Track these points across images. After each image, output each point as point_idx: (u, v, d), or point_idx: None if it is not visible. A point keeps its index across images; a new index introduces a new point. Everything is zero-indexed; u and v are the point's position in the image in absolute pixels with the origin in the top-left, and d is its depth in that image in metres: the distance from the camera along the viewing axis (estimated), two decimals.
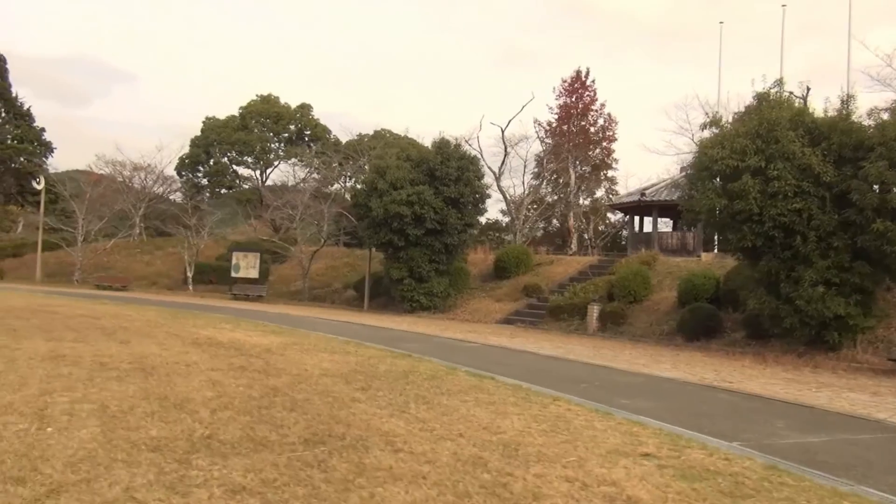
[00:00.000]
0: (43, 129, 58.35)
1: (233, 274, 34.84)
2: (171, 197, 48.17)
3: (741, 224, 15.16)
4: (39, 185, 40.05)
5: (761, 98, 15.83)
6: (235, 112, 48.25)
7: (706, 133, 16.96)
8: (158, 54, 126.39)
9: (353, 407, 6.50)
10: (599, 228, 45.19)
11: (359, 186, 28.20)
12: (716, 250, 27.12)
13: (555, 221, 48.35)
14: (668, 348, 17.61)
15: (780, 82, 15.85)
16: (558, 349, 15.70)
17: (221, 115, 48.26)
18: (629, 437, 5.67)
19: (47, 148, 58.13)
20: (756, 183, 14.74)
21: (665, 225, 38.41)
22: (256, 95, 49.17)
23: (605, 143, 46.52)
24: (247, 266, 34.37)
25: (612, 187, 47.01)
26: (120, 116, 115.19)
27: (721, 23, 30.34)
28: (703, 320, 19.31)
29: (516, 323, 24.21)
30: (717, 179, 15.85)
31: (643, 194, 30.20)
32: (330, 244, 37.72)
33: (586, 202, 46.06)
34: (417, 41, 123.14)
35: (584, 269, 28.89)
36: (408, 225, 25.85)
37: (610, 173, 46.90)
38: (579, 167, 45.18)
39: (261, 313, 23.26)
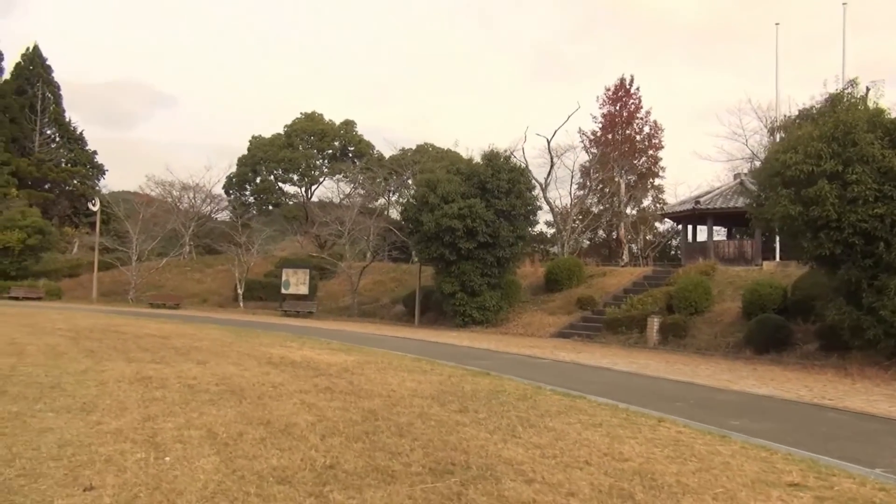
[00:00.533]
0: (95, 152, 60.19)
1: (283, 290, 35.12)
2: (218, 216, 49.02)
3: (817, 231, 14.61)
4: (95, 207, 41.08)
5: (835, 100, 15.27)
6: (280, 130, 48.99)
7: (774, 137, 16.41)
8: (201, 75, 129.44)
9: (461, 431, 6.29)
10: (648, 238, 44.40)
11: (408, 201, 28.10)
12: (777, 258, 26.34)
13: (601, 232, 47.77)
14: (741, 362, 17.03)
15: (854, 83, 15.29)
16: (632, 364, 15.27)
17: (267, 134, 49.09)
18: (765, 465, 5.34)
19: (99, 170, 59.83)
20: (833, 188, 14.20)
21: (718, 234, 37.61)
22: (301, 113, 49.84)
23: (651, 151, 45.83)
24: (297, 282, 34.61)
25: (660, 196, 46.26)
26: (166, 137, 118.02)
27: (777, 24, 29.68)
28: (772, 332, 18.66)
29: (572, 336, 23.76)
30: (789, 185, 15.31)
31: (698, 202, 29.52)
32: (377, 259, 37.76)
33: (633, 212, 45.39)
34: (455, 54, 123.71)
35: (638, 280, 28.34)
36: (459, 238, 25.70)
37: (657, 181, 46.18)
38: (626, 176, 44.58)
39: (318, 330, 23.28)
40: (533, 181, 28.75)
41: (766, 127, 37.15)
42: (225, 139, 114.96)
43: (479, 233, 25.65)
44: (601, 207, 45.48)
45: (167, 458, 5.11)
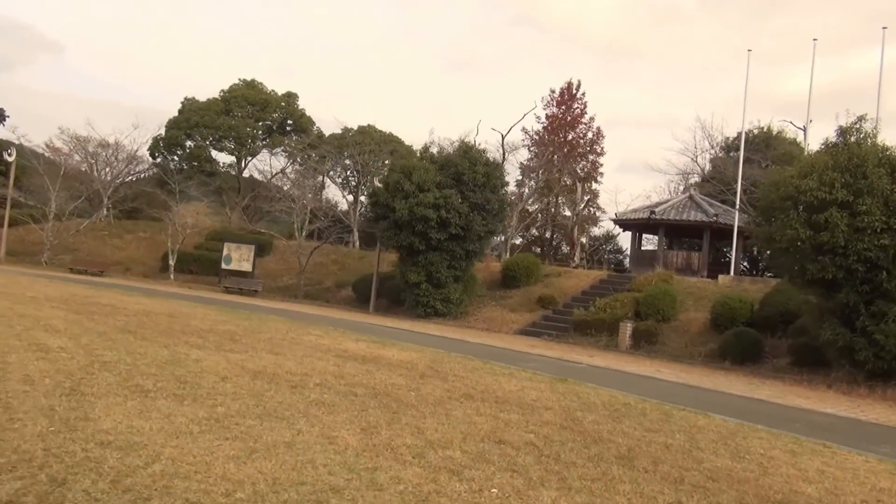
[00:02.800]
0: None
1: (223, 265, 33.24)
2: (138, 179, 45.64)
3: (823, 255, 15.35)
4: (11, 157, 37.10)
5: (845, 132, 16.06)
6: (216, 95, 46.13)
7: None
8: (96, 24, 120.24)
9: (701, 458, 5.97)
10: (582, 241, 45.56)
11: (377, 185, 27.31)
12: (731, 273, 27.63)
13: (533, 231, 48.57)
14: (735, 374, 17.67)
15: (862, 118, 16.13)
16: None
17: (201, 97, 46.12)
18: None
19: None
20: (843, 216, 14.96)
21: (649, 243, 39.14)
22: (239, 80, 47.10)
23: (592, 157, 46.96)
24: (239, 258, 32.86)
25: (594, 201, 47.51)
26: (48, 87, 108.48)
27: (749, 50, 31.03)
28: (748, 345, 19.55)
29: (540, 335, 23.91)
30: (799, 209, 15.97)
31: (653, 212, 30.52)
32: (327, 241, 36.50)
33: (568, 214, 46.40)
34: (374, 40, 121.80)
35: (595, 283, 28.95)
36: (431, 228, 25.28)
37: (594, 186, 47.37)
38: (563, 179, 45.48)
39: (285, 312, 22.11)
40: (506, 177, 28.58)
41: (712, 146, 39.07)
42: (122, 96, 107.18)
43: (451, 224, 25.33)
44: (535, 206, 46.29)
45: (494, 490, 4.53)
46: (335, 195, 48.58)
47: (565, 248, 48.38)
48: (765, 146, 37.67)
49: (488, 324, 26.34)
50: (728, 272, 31.22)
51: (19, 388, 5.95)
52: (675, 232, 32.79)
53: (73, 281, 26.13)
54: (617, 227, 35.01)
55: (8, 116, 54.88)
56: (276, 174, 48.09)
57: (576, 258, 36.74)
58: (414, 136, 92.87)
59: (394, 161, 37.04)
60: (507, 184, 27.65)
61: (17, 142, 40.50)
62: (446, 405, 7.20)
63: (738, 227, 27.55)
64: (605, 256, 42.80)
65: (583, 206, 37.90)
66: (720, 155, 40.33)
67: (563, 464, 5.34)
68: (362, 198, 40.86)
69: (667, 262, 30.66)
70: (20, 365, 6.90)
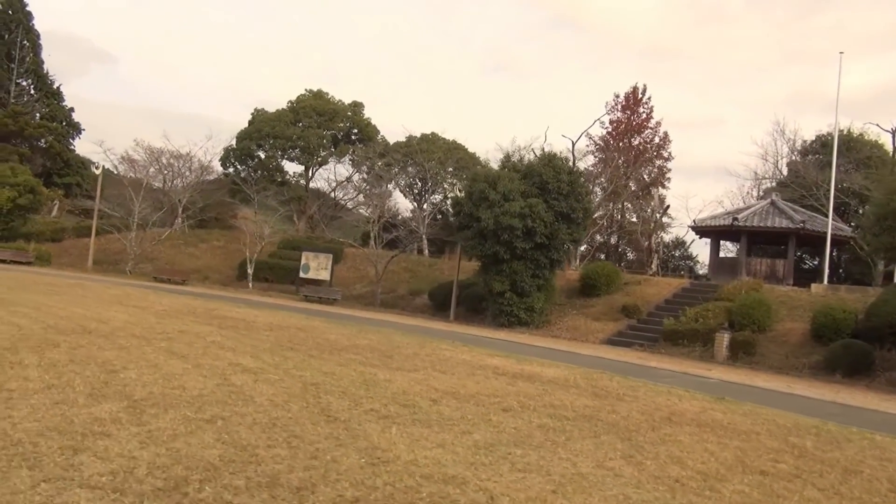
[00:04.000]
0: (72, 109, 56.66)
1: (301, 274, 33.83)
2: (212, 189, 46.77)
3: None
4: (98, 171, 38.51)
5: None
6: (284, 105, 47.04)
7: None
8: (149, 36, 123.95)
9: None
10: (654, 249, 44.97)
11: (459, 194, 27.43)
12: (825, 281, 26.86)
13: (598, 237, 48.12)
14: (856, 388, 17.18)
15: None
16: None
17: (270, 108, 47.11)
18: None
19: (76, 129, 56.32)
20: None
21: (728, 250, 38.32)
22: (306, 90, 48.00)
23: (659, 162, 46.36)
24: (317, 267, 33.40)
25: (661, 207, 46.83)
26: (102, 97, 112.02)
27: (841, 53, 30.12)
28: (858, 357, 19.00)
29: (630, 345, 23.61)
30: None
31: (736, 219, 29.91)
32: (404, 251, 36.83)
33: (632, 220, 45.86)
34: (409, 47, 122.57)
35: (677, 291, 28.52)
36: (517, 238, 25.26)
37: (661, 192, 46.74)
38: (632, 186, 44.99)
39: (387, 323, 22.28)
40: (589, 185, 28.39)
41: (791, 151, 38.15)
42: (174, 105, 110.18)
43: (537, 233, 25.28)
44: (599, 212, 45.87)
45: None
46: (398, 203, 48.95)
47: (630, 255, 47.87)
48: (846, 149, 36.59)
49: (572, 333, 26.16)
50: (813, 280, 30.46)
51: (283, 415, 6.02)
52: (758, 239, 32.07)
53: (171, 291, 26.90)
54: (693, 233, 34.37)
55: (84, 130, 57.00)
56: (339, 182, 48.80)
57: (653, 266, 36.26)
58: (473, 144, 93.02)
59: (459, 169, 37.16)
60: (591, 192, 27.39)
61: (100, 152, 41.91)
62: (663, 430, 7.12)
63: (832, 234, 26.76)
64: (676, 263, 42.10)
65: (661, 213, 37.35)
66: (796, 159, 39.35)
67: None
68: (430, 205, 41.09)
69: (750, 270, 30.01)
70: (254, 388, 6.98)
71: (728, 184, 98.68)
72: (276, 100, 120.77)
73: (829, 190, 34.13)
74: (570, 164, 39.39)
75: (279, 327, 13.07)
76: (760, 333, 22.45)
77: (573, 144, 38.09)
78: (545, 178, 25.65)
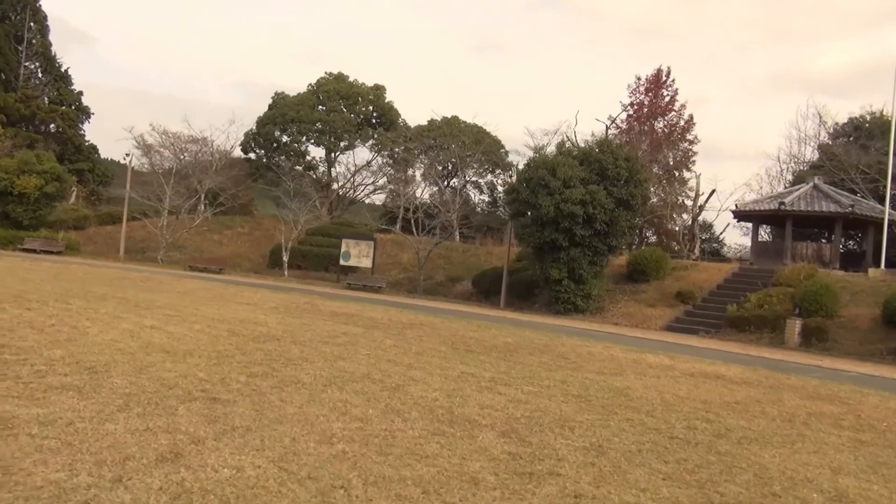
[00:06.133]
0: (81, 93, 55.37)
1: (342, 262, 33.44)
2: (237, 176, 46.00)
3: None
4: (127, 159, 37.73)
5: None
6: (304, 88, 46.23)
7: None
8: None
9: None
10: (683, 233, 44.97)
11: (515, 181, 27.12)
12: (882, 266, 26.93)
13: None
14: None
15: None
16: None
17: (291, 92, 46.29)
18: None
19: (85, 113, 55.11)
20: None
21: (766, 233, 38.36)
22: (326, 73, 47.20)
23: (685, 145, 46.22)
24: (358, 255, 33.02)
25: (685, 190, 46.77)
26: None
27: None
28: None
29: (693, 332, 23.55)
30: None
31: (783, 203, 29.90)
32: (446, 238, 36.54)
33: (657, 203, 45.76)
34: (396, 28, 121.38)
35: (728, 277, 28.54)
36: (577, 225, 25.07)
37: (686, 175, 46.66)
38: (657, 169, 44.85)
39: (452, 312, 22.00)
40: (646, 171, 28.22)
41: (828, 132, 38.13)
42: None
43: (597, 220, 25.10)
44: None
45: None
46: (422, 188, 48.45)
47: (653, 238, 47.84)
48: (880, 133, 36.62)
49: (629, 319, 26.11)
50: (855, 263, 30.60)
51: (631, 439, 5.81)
52: (803, 223, 32.10)
53: (223, 281, 26.44)
54: (733, 218, 34.37)
55: (93, 114, 55.80)
56: (361, 167, 48.19)
57: (696, 251, 36.26)
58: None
59: (486, 153, 36.57)
60: (648, 178, 27.21)
61: (129, 140, 40.96)
62: None
63: (889, 219, 26.80)
64: (703, 248, 42.13)
65: (706, 198, 37.32)
66: (828, 142, 39.40)
67: None
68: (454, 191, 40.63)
69: (795, 255, 30.07)
70: (550, 406, 6.61)
71: (717, 166, 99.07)
72: (264, 84, 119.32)
73: (867, 173, 34.33)
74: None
75: (407, 324, 12.77)
76: (828, 319, 22.48)
77: (606, 129, 37.80)
78: (604, 164, 25.42)
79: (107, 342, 7.67)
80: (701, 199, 36.44)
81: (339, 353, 8.51)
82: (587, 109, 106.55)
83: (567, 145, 27.38)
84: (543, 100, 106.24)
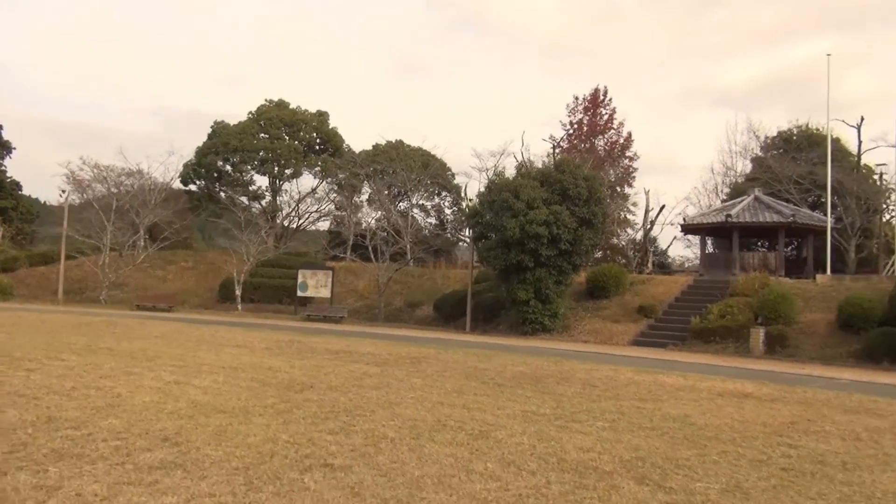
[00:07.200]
0: (0, 126, 52.22)
1: (299, 293, 32.60)
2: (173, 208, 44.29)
3: None
4: (63, 197, 35.70)
5: None
6: (244, 117, 45.11)
7: None
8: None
9: None
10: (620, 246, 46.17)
11: (475, 204, 27.21)
12: (828, 272, 28.27)
13: None
14: None
15: None
16: None
17: (231, 120, 45.05)
18: None
19: (6, 147, 52.01)
20: None
21: (711, 245, 39.74)
22: (266, 100, 46.20)
23: (626, 162, 47.63)
24: (316, 285, 32.27)
25: (627, 206, 48.12)
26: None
27: (829, 55, 30.97)
28: None
29: (660, 345, 24.01)
30: None
31: (729, 216, 31.12)
32: (405, 263, 36.19)
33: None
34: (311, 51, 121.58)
35: (684, 289, 29.34)
36: (542, 246, 25.31)
37: (627, 191, 48.05)
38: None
39: (412, 339, 21.73)
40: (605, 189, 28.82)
41: (762, 146, 40.04)
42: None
43: (562, 240, 25.42)
44: None
45: None
46: (366, 213, 48.01)
47: (597, 254, 48.90)
48: (807, 144, 38.74)
49: (595, 336, 26.46)
50: (797, 270, 32.16)
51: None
52: (747, 233, 33.47)
53: (175, 320, 25.33)
54: (683, 232, 35.55)
55: (14, 148, 52.77)
56: (306, 195, 47.37)
57: (649, 265, 37.20)
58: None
59: (433, 177, 36.68)
60: (607, 196, 27.79)
61: (58, 175, 38.88)
62: None
63: (830, 226, 28.24)
64: (655, 260, 43.36)
65: (656, 213, 38.38)
66: (759, 154, 41.39)
67: None
68: (416, 213, 40.51)
69: (743, 265, 31.29)
70: (677, 455, 6.39)
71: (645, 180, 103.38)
72: (183, 109, 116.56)
73: (800, 183, 36.23)
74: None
75: (411, 359, 12.43)
76: (788, 326, 23.37)
77: (554, 149, 38.55)
78: (565, 184, 25.82)
79: (149, 405, 7.12)
80: (652, 214, 37.33)
81: (385, 399, 8.19)
82: (517, 128, 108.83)
83: (524, 167, 27.61)
84: (474, 121, 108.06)
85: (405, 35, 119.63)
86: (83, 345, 12.05)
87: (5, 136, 52.18)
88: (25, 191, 54.59)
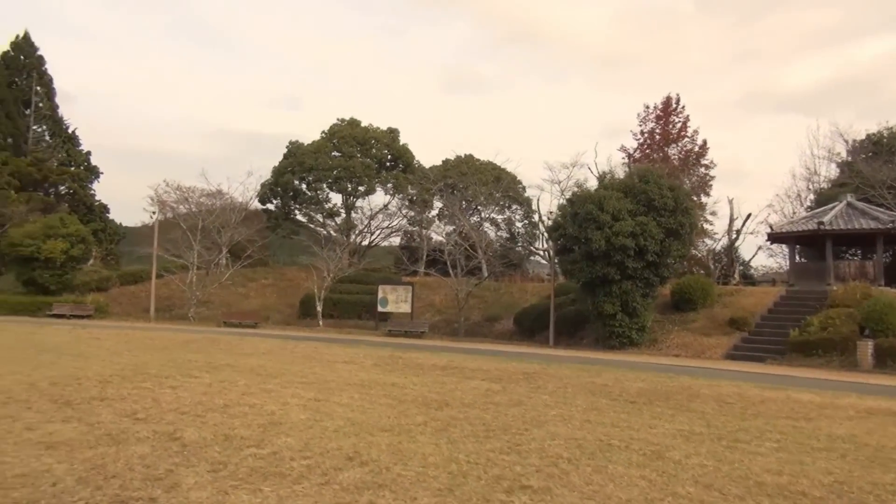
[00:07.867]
0: (89, 153, 55.12)
1: (379, 308, 32.95)
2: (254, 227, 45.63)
3: None
4: (153, 218, 37.34)
5: None
6: (305, 137, 46.27)
7: None
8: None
9: None
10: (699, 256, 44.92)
11: (559, 217, 26.95)
12: None
13: None
14: None
15: None
16: None
17: (305, 141, 46.24)
18: None
19: (94, 173, 54.75)
20: None
21: (798, 254, 38.28)
22: (338, 119, 47.27)
23: (702, 170, 46.44)
24: (396, 300, 32.56)
25: (705, 216, 46.83)
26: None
27: None
28: None
29: (759, 359, 23.13)
30: None
31: (821, 223, 29.86)
32: (484, 279, 36.21)
33: None
34: (366, 64, 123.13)
35: (777, 300, 28.32)
36: (628, 258, 24.85)
37: (704, 199, 46.78)
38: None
39: (503, 354, 21.48)
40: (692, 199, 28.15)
41: (849, 150, 38.43)
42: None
43: (648, 252, 24.90)
44: None
45: None
46: (440, 228, 48.24)
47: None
48: None
49: (686, 350, 25.74)
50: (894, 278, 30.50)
51: None
52: (840, 241, 32.07)
53: (267, 336, 25.89)
54: (769, 241, 34.31)
55: (102, 173, 55.47)
56: (379, 210, 47.95)
57: (736, 275, 36.11)
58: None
59: (505, 190, 36.30)
60: (694, 205, 27.13)
61: (153, 197, 40.55)
62: None
63: None
64: (737, 269, 42.07)
65: (743, 222, 37.28)
66: (848, 159, 39.69)
67: None
68: (487, 227, 40.44)
69: (838, 273, 29.94)
70: None
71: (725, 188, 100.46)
72: (241, 131, 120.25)
73: (894, 187, 34.48)
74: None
75: (525, 375, 12.29)
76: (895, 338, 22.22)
77: (629, 159, 37.89)
78: (650, 195, 25.32)
79: (309, 423, 7.20)
80: (737, 223, 36.19)
81: (529, 417, 8.08)
82: (573, 140, 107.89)
83: (606, 178, 27.23)
84: (530, 133, 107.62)
85: (455, 52, 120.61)
86: (204, 361, 12.38)
87: (93, 162, 54.97)
88: (115, 216, 57.40)
